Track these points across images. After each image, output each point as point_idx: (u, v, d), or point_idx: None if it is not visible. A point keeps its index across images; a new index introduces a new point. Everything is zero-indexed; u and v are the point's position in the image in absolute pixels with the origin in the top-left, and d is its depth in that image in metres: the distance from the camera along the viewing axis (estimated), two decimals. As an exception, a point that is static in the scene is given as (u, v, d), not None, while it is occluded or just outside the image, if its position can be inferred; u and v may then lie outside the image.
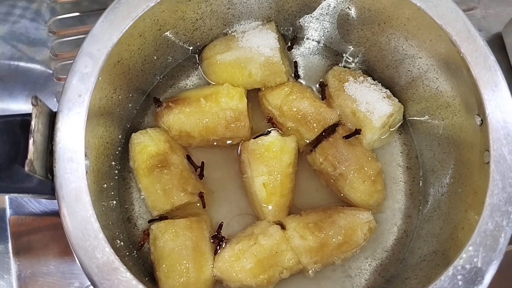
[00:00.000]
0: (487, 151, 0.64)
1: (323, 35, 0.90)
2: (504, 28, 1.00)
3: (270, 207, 0.79)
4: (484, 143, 0.65)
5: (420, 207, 0.84)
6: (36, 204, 0.88)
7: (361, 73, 0.87)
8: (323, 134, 0.83)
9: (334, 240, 0.76)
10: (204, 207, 0.81)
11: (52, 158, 0.59)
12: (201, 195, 0.80)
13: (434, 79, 0.76)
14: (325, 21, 0.87)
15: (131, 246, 0.79)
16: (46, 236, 0.87)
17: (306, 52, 0.92)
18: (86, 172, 0.61)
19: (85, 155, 0.62)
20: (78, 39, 0.97)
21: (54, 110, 0.62)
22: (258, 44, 0.83)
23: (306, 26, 0.89)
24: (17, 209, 0.87)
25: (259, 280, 0.74)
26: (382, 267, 0.81)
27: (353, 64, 0.91)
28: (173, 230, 0.75)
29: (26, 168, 0.53)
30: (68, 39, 0.97)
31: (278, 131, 0.84)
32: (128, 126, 0.85)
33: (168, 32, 0.79)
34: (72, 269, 0.85)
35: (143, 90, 0.87)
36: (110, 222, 0.73)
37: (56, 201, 0.59)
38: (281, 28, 0.90)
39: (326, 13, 0.85)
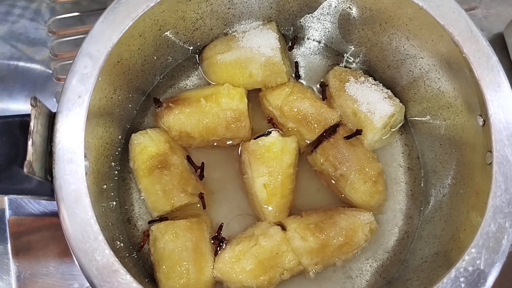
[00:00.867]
0: (490, 152, 0.63)
1: (324, 35, 0.90)
2: (506, 28, 0.99)
3: (270, 208, 0.79)
4: (486, 144, 0.65)
5: (422, 208, 0.83)
6: (35, 205, 0.88)
7: (362, 73, 0.86)
8: (324, 134, 0.82)
9: (335, 241, 0.76)
10: (204, 208, 0.81)
11: (52, 159, 0.59)
12: (201, 196, 0.80)
13: (436, 79, 0.76)
14: (326, 21, 0.86)
15: (131, 247, 0.78)
16: (45, 237, 0.87)
17: (307, 52, 0.92)
18: (86, 173, 0.60)
19: (85, 156, 0.62)
20: (78, 39, 0.96)
21: (54, 110, 0.62)
22: (259, 44, 0.82)
23: (307, 26, 0.89)
24: (16, 210, 0.87)
25: (259, 281, 0.74)
26: (383, 268, 0.81)
27: (354, 64, 0.91)
28: (173, 231, 0.75)
29: (25, 170, 0.53)
30: (67, 39, 0.97)
31: (278, 131, 0.83)
32: (128, 126, 0.84)
33: (168, 32, 0.79)
34: (71, 270, 0.85)
35: (143, 91, 0.86)
36: (110, 223, 0.73)
37: (55, 202, 0.59)
38: (282, 28, 0.90)
39: (327, 13, 0.84)
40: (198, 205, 0.81)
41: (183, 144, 0.83)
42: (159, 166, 0.78)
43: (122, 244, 0.74)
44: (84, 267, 0.57)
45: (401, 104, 0.83)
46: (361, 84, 0.83)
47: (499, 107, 0.63)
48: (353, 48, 0.89)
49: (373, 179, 0.80)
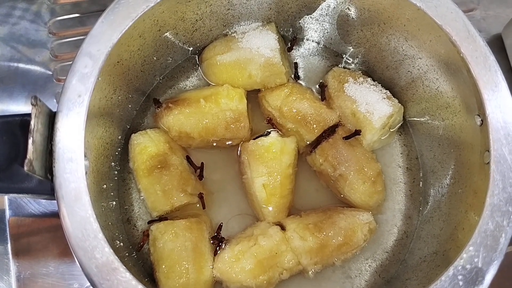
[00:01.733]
0: (487, 151, 0.64)
1: (323, 36, 0.90)
2: (504, 29, 0.99)
3: (270, 208, 0.79)
4: (484, 144, 0.65)
5: (420, 208, 0.83)
6: (35, 205, 0.88)
7: (361, 74, 0.87)
8: (323, 135, 0.83)
9: (334, 241, 0.76)
10: (204, 208, 0.81)
11: (52, 158, 0.59)
12: (200, 196, 0.80)
13: (434, 80, 0.76)
14: (325, 22, 0.87)
15: (130, 247, 0.78)
16: (45, 237, 0.87)
17: (306, 53, 0.92)
18: (86, 173, 0.60)
19: (85, 156, 0.62)
20: (78, 40, 0.97)
21: (54, 110, 0.62)
22: (258, 45, 0.83)
23: (306, 27, 0.89)
24: (16, 210, 0.87)
25: (259, 281, 0.74)
26: (382, 268, 0.81)
27: (353, 65, 0.91)
28: (172, 231, 0.75)
29: (26, 168, 0.53)
30: (67, 40, 0.97)
31: (278, 132, 0.84)
32: (128, 127, 0.85)
33: (168, 32, 0.79)
34: (71, 270, 0.85)
35: (143, 91, 0.87)
36: (110, 223, 0.73)
37: (55, 201, 0.59)
38: (281, 29, 0.90)
39: (326, 14, 0.85)
40: (198, 205, 0.81)
41: (182, 144, 0.84)
42: (159, 166, 0.78)
43: (121, 244, 0.74)
44: (84, 265, 0.57)
45: (399, 104, 0.84)
46: (360, 84, 0.83)
47: (497, 107, 0.64)
48: (352, 49, 0.89)
49: (372, 179, 0.80)
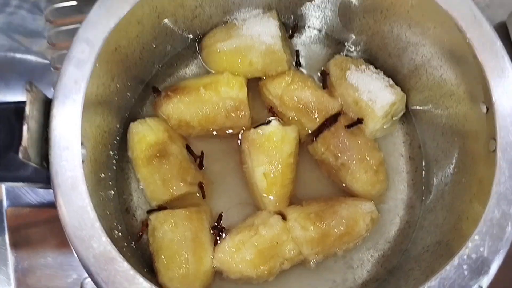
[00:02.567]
0: (493, 139, 0.62)
1: (324, 24, 0.89)
2: (509, 16, 0.98)
3: (270, 198, 0.78)
4: (489, 131, 0.64)
5: (423, 198, 0.82)
6: (33, 195, 0.87)
7: (363, 61, 0.85)
8: (325, 123, 0.82)
9: (335, 230, 0.75)
10: (204, 197, 0.80)
11: (48, 146, 0.58)
12: (200, 186, 0.79)
13: (438, 67, 0.75)
14: (327, 9, 0.85)
15: (129, 237, 0.78)
16: (43, 228, 0.86)
17: (308, 40, 0.91)
18: (83, 161, 0.59)
19: (82, 144, 0.61)
20: (76, 28, 0.92)
21: (50, 98, 0.61)
22: (259, 32, 0.81)
23: (308, 14, 0.88)
24: (14, 201, 0.87)
25: (259, 271, 0.73)
26: (384, 258, 0.80)
27: (355, 52, 0.90)
28: (172, 221, 0.74)
29: (20, 155, 0.52)
30: (65, 28, 0.96)
31: (279, 120, 0.83)
32: (127, 115, 0.83)
33: (167, 19, 0.78)
34: (70, 261, 0.84)
35: (142, 79, 0.85)
36: (108, 212, 0.72)
37: (52, 191, 0.58)
38: (282, 16, 0.89)
39: (328, 0, 0.83)
40: (198, 195, 0.80)
41: (182, 133, 0.83)
42: (158, 155, 0.77)
43: (120, 234, 0.73)
44: (81, 255, 0.56)
45: (402, 92, 0.82)
46: (362, 72, 0.82)
47: (504, 93, 0.62)
48: (354, 37, 0.88)
49: (374, 168, 0.79)
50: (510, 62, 0.63)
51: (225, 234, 0.77)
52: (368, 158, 0.79)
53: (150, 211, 0.78)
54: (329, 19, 0.88)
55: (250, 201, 0.81)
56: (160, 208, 0.78)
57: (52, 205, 0.84)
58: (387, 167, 0.83)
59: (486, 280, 0.57)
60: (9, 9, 0.98)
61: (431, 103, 0.80)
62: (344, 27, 0.87)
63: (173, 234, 0.73)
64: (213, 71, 0.86)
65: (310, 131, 0.83)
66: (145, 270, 0.74)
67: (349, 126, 0.81)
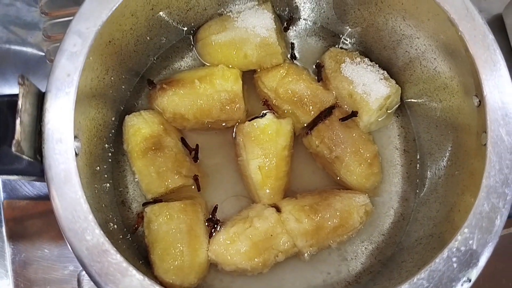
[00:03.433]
0: (485, 132, 0.63)
1: (319, 16, 0.89)
2: (505, 9, 0.98)
3: (265, 190, 0.79)
4: (481, 125, 0.64)
5: (417, 190, 0.83)
6: (30, 187, 0.88)
7: (358, 54, 0.85)
8: (320, 116, 0.82)
9: (329, 223, 0.75)
10: (199, 190, 0.80)
11: (41, 139, 0.58)
12: (195, 178, 0.80)
13: (432, 60, 0.75)
14: (322, 1, 0.85)
15: (125, 229, 0.78)
16: (40, 220, 0.87)
17: (302, 33, 0.90)
18: (77, 154, 0.60)
19: (77, 137, 0.61)
20: (71, 20, 0.95)
21: (43, 90, 0.61)
22: (254, 24, 0.81)
23: (302, 6, 0.88)
24: (11, 193, 0.87)
25: (254, 263, 0.74)
26: (378, 250, 0.80)
27: (350, 45, 0.90)
28: (167, 213, 0.74)
29: (13, 149, 0.52)
30: (60, 20, 0.96)
31: (273, 113, 0.83)
32: (122, 108, 0.83)
33: (161, 12, 0.78)
34: (66, 253, 0.85)
35: (137, 72, 0.85)
36: (103, 205, 0.72)
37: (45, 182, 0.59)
38: (277, 9, 0.89)
39: (323, -8, 0.83)
40: (193, 187, 0.81)
41: (177, 126, 0.83)
42: (153, 148, 0.77)
43: (115, 226, 0.73)
44: (75, 247, 0.57)
45: (397, 85, 0.82)
46: (357, 65, 0.82)
47: (495, 87, 0.62)
48: (349, 29, 0.88)
49: (369, 161, 0.79)
50: (502, 56, 0.63)
51: (220, 227, 0.77)
52: (362, 151, 0.79)
53: (145, 204, 0.78)
54: (324, 11, 0.87)
55: (245, 193, 0.82)
56: (156, 200, 0.78)
57: (48, 198, 0.86)
58: (382, 160, 0.83)
59: (475, 272, 0.58)
60: (5, 1, 0.97)
61: (425, 96, 0.80)
62: (339, 19, 0.87)
63: (168, 227, 0.74)
64: (208, 64, 0.86)
65: (305, 124, 0.83)
66: (140, 262, 0.75)
67: (343, 119, 0.81)
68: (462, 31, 0.64)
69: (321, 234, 0.75)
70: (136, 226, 0.78)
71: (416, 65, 0.79)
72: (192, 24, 0.86)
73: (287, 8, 0.89)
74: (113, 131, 0.81)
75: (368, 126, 0.82)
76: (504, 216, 0.59)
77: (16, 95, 0.56)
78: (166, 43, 0.86)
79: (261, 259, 0.74)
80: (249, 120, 0.81)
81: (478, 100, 0.65)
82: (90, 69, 0.65)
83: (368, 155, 0.79)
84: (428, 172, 0.81)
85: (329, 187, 0.82)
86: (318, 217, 0.75)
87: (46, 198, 0.87)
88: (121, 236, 0.75)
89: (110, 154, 0.81)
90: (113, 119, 0.81)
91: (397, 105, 0.85)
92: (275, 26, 0.81)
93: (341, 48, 0.89)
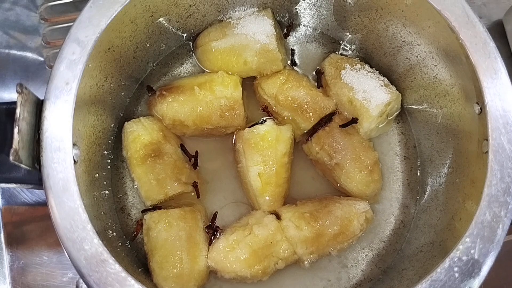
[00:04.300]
0: (486, 140, 0.62)
1: (319, 22, 0.89)
2: (505, 15, 0.98)
3: (265, 197, 0.78)
4: (482, 132, 0.64)
5: (418, 197, 0.82)
6: (29, 194, 0.87)
7: (358, 60, 0.85)
8: (320, 123, 0.81)
9: (330, 230, 0.75)
10: (198, 197, 0.80)
11: (39, 148, 0.58)
12: (195, 185, 0.79)
13: (433, 67, 0.75)
14: (322, 8, 0.85)
15: (124, 236, 0.78)
16: (39, 226, 0.86)
17: (303, 39, 0.90)
18: (76, 162, 0.59)
19: (76, 145, 0.61)
20: (70, 26, 0.94)
21: (42, 98, 0.61)
22: (254, 31, 0.81)
23: (303, 12, 0.88)
24: (9, 199, 0.87)
25: (254, 271, 0.73)
26: (378, 257, 0.80)
27: (350, 51, 0.89)
28: (166, 221, 0.74)
29: (11, 158, 0.52)
30: (60, 26, 0.96)
31: (273, 120, 0.82)
32: (121, 115, 0.83)
33: (161, 18, 0.78)
34: (65, 260, 0.85)
35: (136, 78, 0.85)
36: (102, 212, 0.72)
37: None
38: (277, 15, 0.88)
39: (323, -1, 0.83)
40: (192, 194, 0.81)
41: (176, 132, 0.82)
42: (152, 154, 0.77)
43: (114, 234, 0.73)
44: (73, 257, 0.56)
45: (397, 92, 0.82)
46: (357, 71, 0.82)
47: (496, 95, 0.62)
48: (349, 35, 0.87)
49: (369, 168, 0.79)
50: (503, 64, 0.63)
51: (220, 234, 0.76)
52: (362, 158, 0.79)
53: (144, 211, 0.78)
54: (324, 18, 0.87)
55: (245, 200, 0.81)
56: (155, 207, 0.78)
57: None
58: (382, 166, 0.83)
59: (477, 282, 0.58)
60: (5, 6, 0.97)
61: (426, 102, 0.80)
62: (339, 25, 0.87)
63: (168, 234, 0.73)
64: (207, 70, 0.85)
65: (305, 131, 0.83)
66: (139, 269, 0.74)
67: (343, 126, 0.80)
68: (463, 39, 0.64)
69: (321, 241, 0.75)
70: (135, 233, 0.78)
71: (417, 72, 0.79)
72: (192, 30, 0.86)
73: (287, 15, 0.89)
74: (112, 137, 0.81)
75: (369, 133, 0.82)
76: (506, 225, 0.58)
77: (14, 103, 0.56)
78: (166, 49, 0.86)
79: (261, 267, 0.73)
80: (249, 127, 0.80)
81: (479, 107, 0.64)
82: (89, 77, 0.64)
83: (368, 161, 0.79)
84: (429, 179, 0.81)
85: (329, 194, 0.82)
86: (318, 224, 0.75)
87: (44, 204, 0.84)
88: (120, 244, 0.74)
89: (109, 161, 0.80)
90: (112, 125, 0.80)
91: (397, 112, 0.85)
92: (275, 33, 0.81)
93: (341, 54, 0.89)
